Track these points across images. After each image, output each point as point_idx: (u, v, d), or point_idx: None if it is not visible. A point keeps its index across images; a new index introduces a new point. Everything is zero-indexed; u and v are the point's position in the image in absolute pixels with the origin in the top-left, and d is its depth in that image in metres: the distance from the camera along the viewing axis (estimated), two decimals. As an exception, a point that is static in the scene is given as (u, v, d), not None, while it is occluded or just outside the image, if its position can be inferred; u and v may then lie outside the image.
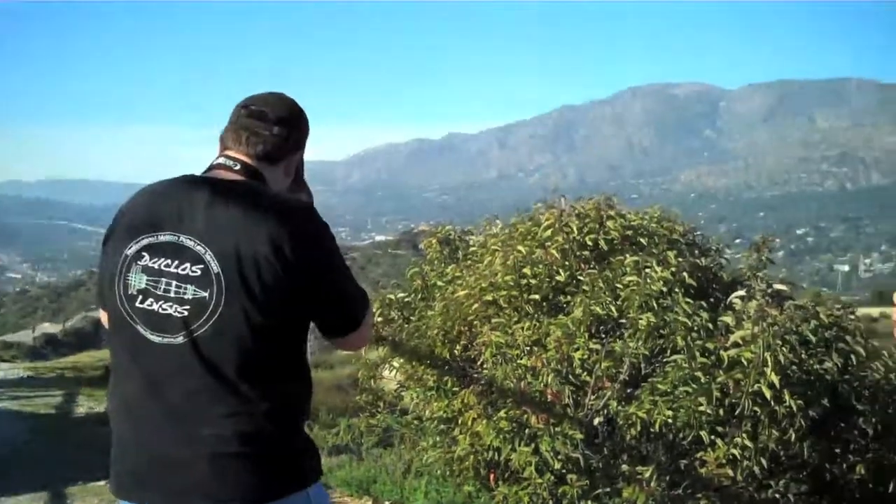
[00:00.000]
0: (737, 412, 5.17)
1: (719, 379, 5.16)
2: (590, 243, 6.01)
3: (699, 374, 5.17)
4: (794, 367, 5.19)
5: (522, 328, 5.74)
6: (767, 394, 4.96)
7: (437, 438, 6.38)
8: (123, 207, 2.35)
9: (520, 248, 6.11)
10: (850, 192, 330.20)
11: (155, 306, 2.19)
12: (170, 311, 2.17)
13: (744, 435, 5.11)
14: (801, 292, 6.67)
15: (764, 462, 5.13)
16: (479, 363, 6.11)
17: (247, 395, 2.16)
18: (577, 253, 6.04)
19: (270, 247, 2.13)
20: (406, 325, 6.72)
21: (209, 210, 2.20)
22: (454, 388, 6.22)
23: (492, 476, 5.97)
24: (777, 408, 5.06)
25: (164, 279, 2.19)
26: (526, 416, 5.55)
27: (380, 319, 6.84)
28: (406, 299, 7.05)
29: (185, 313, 2.16)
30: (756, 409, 5.09)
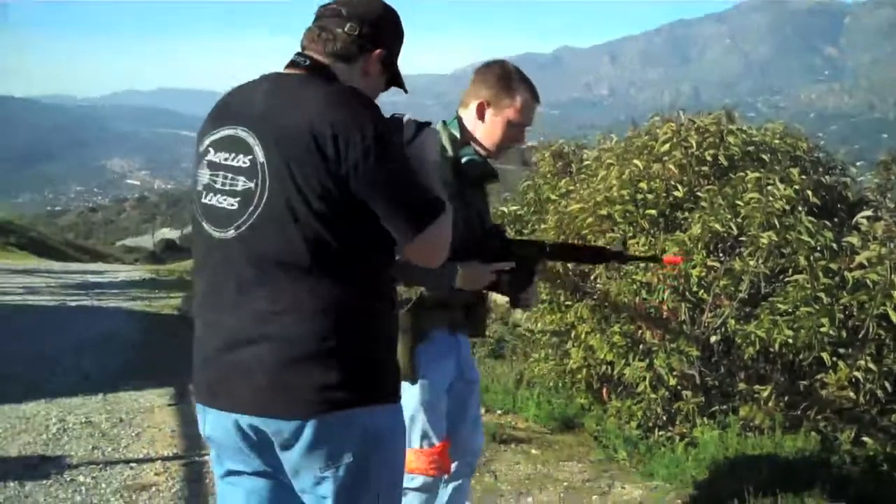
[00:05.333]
0: (860, 334, 5.06)
1: (843, 300, 5.05)
2: (709, 159, 5.88)
3: (822, 294, 5.04)
4: (922, 290, 5.02)
5: (638, 243, 5.68)
6: (894, 317, 4.82)
7: (549, 351, 6.42)
8: (212, 108, 2.34)
9: (636, 162, 6.01)
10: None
11: (213, 200, 2.16)
12: (225, 204, 2.14)
13: (867, 357, 4.99)
14: (930, 213, 6.39)
15: (888, 385, 5.01)
16: (592, 278, 6.09)
17: (300, 294, 2.08)
18: (696, 168, 5.92)
19: (311, 136, 2.04)
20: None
21: (264, 103, 2.16)
22: (567, 302, 6.22)
23: (604, 390, 6.00)
24: (903, 331, 4.93)
25: (221, 172, 2.16)
26: (640, 331, 5.54)
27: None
28: (518, 212, 7.03)
29: (236, 206, 2.12)
30: (881, 332, 4.98)
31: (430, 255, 2.31)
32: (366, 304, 2.17)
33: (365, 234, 2.14)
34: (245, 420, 2.14)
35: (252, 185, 2.10)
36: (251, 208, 2.09)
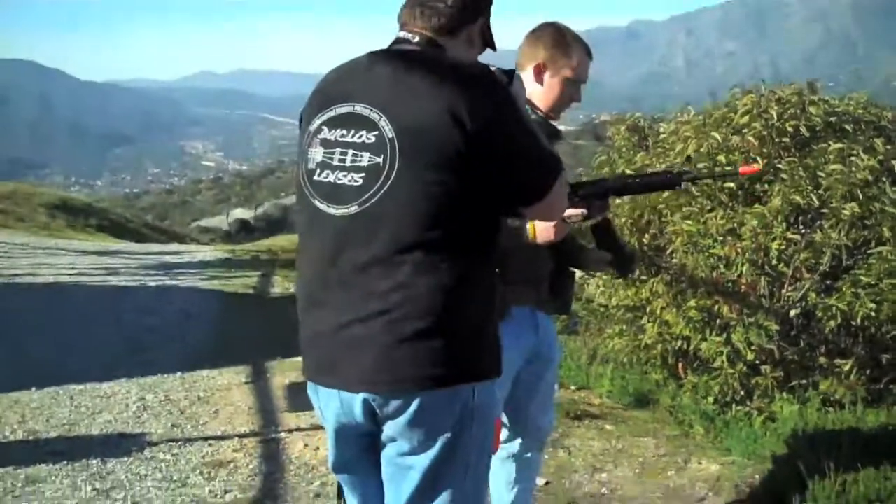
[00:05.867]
0: (947, 307, 4.92)
1: (929, 272, 4.91)
2: (790, 130, 5.72)
3: (907, 266, 4.92)
4: None
5: (716, 217, 5.58)
6: (983, 289, 4.69)
7: (624, 326, 6.35)
8: (315, 88, 2.34)
9: (714, 134, 5.88)
10: None
11: (331, 177, 2.16)
12: (345, 181, 2.13)
13: (954, 331, 4.87)
14: None
15: (977, 359, 4.88)
16: (668, 252, 6.00)
17: (417, 269, 2.07)
18: (776, 140, 5.78)
19: (448, 113, 2.04)
20: (592, 213, 6.64)
21: (386, 79, 2.16)
22: (642, 277, 6.14)
23: (680, 365, 5.92)
24: None
25: (339, 149, 2.16)
26: (717, 305, 5.44)
27: (564, 206, 6.77)
28: (592, 187, 6.94)
29: (361, 181, 2.11)
30: (969, 305, 4.83)
31: (552, 211, 2.38)
32: (479, 280, 2.18)
33: (486, 209, 2.16)
34: (353, 397, 2.16)
35: (380, 160, 2.09)
36: (379, 183, 2.08)
